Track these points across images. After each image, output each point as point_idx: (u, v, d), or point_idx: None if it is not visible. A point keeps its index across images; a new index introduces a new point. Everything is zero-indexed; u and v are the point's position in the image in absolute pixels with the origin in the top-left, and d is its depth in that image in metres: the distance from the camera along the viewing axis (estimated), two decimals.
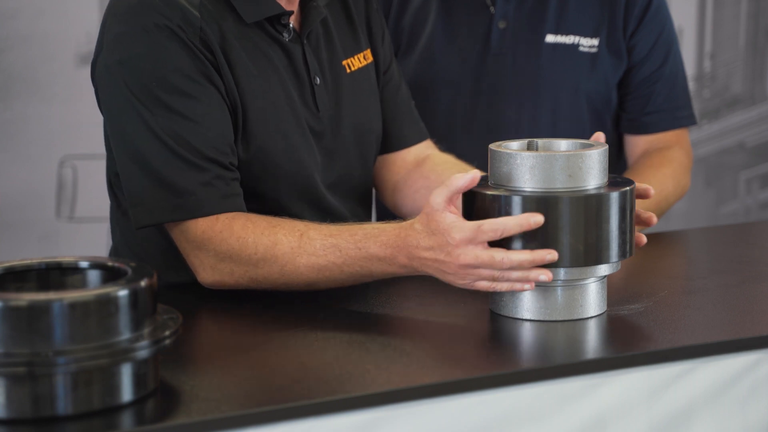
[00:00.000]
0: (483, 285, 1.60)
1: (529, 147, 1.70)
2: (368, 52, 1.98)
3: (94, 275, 1.43)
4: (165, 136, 1.71)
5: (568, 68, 2.27)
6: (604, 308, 1.66)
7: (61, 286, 1.42)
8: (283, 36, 1.83)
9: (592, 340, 1.61)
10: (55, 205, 3.31)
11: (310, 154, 1.86)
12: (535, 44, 2.28)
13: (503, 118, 2.28)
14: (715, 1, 3.86)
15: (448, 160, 2.04)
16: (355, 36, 1.97)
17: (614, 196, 1.59)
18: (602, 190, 1.60)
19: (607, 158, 1.64)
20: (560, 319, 1.62)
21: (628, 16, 2.29)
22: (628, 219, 1.62)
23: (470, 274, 1.59)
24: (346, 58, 1.94)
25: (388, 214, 2.13)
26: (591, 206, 1.58)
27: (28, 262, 1.43)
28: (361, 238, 1.66)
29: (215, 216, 1.72)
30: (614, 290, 1.72)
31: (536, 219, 1.56)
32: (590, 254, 1.58)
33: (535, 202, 1.57)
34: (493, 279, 1.59)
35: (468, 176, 1.60)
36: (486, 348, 1.58)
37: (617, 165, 2.36)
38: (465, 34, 2.31)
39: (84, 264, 1.43)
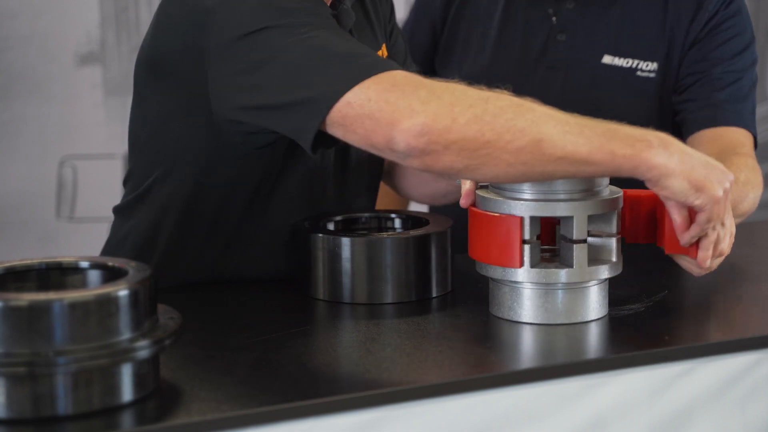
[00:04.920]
0: (721, 214, 1.57)
1: None
2: (384, 47, 1.98)
3: (94, 275, 1.43)
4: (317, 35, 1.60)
5: (622, 93, 2.20)
6: (605, 311, 1.66)
7: (61, 286, 1.42)
8: None
9: (592, 341, 1.61)
10: (55, 205, 3.31)
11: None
12: (591, 63, 2.21)
13: None
14: None
15: None
16: (373, 33, 1.96)
17: None
18: None
19: None
20: (559, 323, 1.62)
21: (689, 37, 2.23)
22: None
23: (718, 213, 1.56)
24: None
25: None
26: None
27: (28, 262, 1.42)
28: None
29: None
30: (614, 290, 1.72)
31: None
32: None
33: None
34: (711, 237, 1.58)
35: None
36: (486, 348, 1.58)
37: None
38: (522, 41, 2.25)
39: (84, 264, 1.43)
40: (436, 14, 2.34)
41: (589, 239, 1.60)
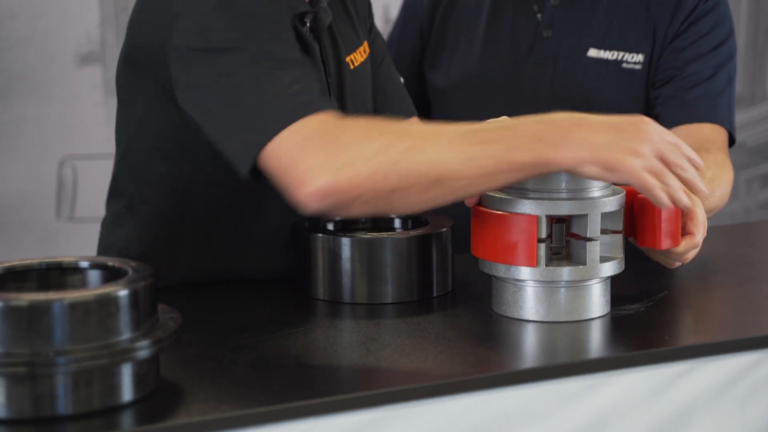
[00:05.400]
0: (649, 180, 1.49)
1: None
2: (366, 44, 1.98)
3: (94, 275, 1.43)
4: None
5: (609, 86, 2.22)
6: (608, 309, 1.66)
7: (61, 286, 1.42)
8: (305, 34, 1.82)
9: (592, 340, 1.61)
10: (55, 205, 3.31)
11: None
12: (577, 57, 2.23)
13: None
14: None
15: None
16: (354, 30, 1.96)
17: None
18: None
19: None
20: (563, 320, 1.62)
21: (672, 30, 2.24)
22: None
23: (649, 156, 1.49)
24: (349, 54, 1.93)
25: None
26: None
27: (29, 262, 1.42)
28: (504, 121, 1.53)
29: (325, 112, 1.57)
30: (615, 290, 1.72)
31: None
32: None
33: None
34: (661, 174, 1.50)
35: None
36: (486, 348, 1.58)
37: None
38: (509, 39, 2.26)
39: (84, 264, 1.43)
40: (423, 16, 2.35)
41: None
